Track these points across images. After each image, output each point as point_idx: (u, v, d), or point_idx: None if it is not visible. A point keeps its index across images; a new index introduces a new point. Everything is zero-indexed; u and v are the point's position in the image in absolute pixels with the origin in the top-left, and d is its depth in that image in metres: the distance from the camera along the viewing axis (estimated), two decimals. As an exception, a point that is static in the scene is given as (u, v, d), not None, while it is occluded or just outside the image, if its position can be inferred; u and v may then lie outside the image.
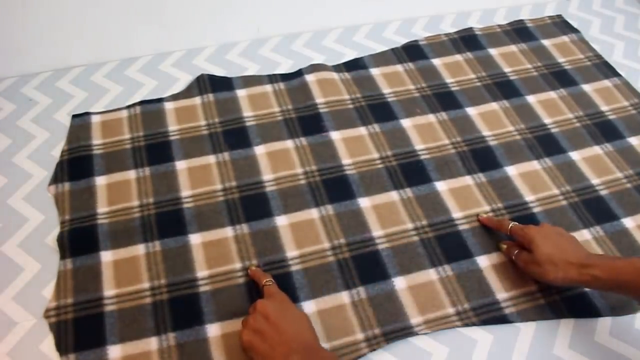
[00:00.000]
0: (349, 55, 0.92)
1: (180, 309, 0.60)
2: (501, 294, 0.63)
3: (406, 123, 0.81)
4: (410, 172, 0.75)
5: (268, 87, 0.84)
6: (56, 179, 0.71)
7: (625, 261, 0.55)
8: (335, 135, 0.78)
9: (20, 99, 0.81)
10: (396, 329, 0.60)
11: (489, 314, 0.62)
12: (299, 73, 0.87)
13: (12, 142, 0.76)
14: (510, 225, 0.65)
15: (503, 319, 0.61)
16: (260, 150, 0.76)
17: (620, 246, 0.69)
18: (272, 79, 0.86)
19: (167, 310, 0.60)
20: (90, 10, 0.82)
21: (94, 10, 0.82)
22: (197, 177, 0.72)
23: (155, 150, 0.75)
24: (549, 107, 0.86)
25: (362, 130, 0.79)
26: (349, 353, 0.58)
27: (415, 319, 0.61)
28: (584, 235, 0.70)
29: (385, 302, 0.62)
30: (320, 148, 0.76)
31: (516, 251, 0.64)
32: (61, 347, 0.57)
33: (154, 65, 0.88)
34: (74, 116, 0.78)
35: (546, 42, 0.98)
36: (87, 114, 0.79)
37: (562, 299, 0.63)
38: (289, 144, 0.77)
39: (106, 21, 0.84)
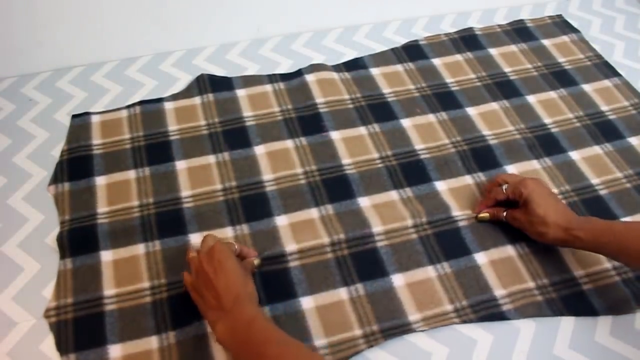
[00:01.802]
0: (349, 55, 0.92)
1: (179, 308, 0.60)
2: (499, 291, 0.64)
3: (406, 123, 0.81)
4: (410, 171, 0.75)
5: (268, 87, 0.84)
6: (56, 179, 0.71)
7: (606, 224, 0.62)
8: (335, 135, 0.78)
9: (20, 99, 0.81)
10: (394, 326, 0.60)
11: (487, 311, 0.62)
12: (298, 73, 0.87)
13: (12, 142, 0.76)
14: (505, 186, 0.68)
15: (501, 316, 0.62)
16: (260, 150, 0.76)
17: None
18: (272, 78, 0.86)
19: (167, 309, 0.60)
20: (90, 10, 0.82)
21: (94, 10, 0.82)
22: (197, 177, 0.72)
23: (155, 150, 0.75)
24: (549, 107, 0.86)
25: (362, 130, 0.79)
26: (346, 349, 0.58)
27: (413, 315, 0.61)
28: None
29: (383, 299, 0.62)
30: (320, 148, 0.76)
31: (504, 212, 0.68)
32: (61, 347, 0.57)
33: (154, 65, 0.88)
34: (74, 116, 0.78)
35: (546, 42, 0.98)
36: (87, 114, 0.79)
37: (560, 297, 0.64)
38: (289, 143, 0.77)
39: (106, 21, 0.84)
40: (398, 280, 0.64)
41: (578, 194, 0.74)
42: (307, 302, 0.61)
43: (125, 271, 0.63)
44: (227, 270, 0.53)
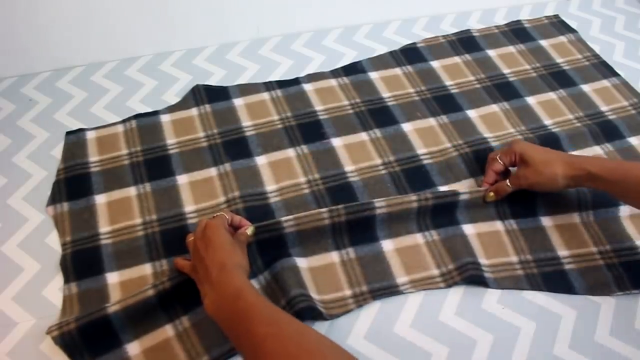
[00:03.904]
0: (349, 55, 0.93)
1: (200, 333, 0.59)
2: (482, 260, 0.65)
3: (407, 127, 0.81)
4: (414, 177, 0.74)
5: (265, 95, 0.84)
6: (54, 199, 0.69)
7: (614, 161, 0.63)
8: (337, 142, 0.78)
9: (20, 99, 0.81)
10: (383, 287, 0.63)
11: (471, 272, 0.63)
12: (296, 81, 0.86)
13: (12, 142, 0.76)
14: (498, 156, 0.69)
15: (482, 280, 0.63)
16: (262, 160, 0.75)
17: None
18: (269, 86, 0.85)
19: (183, 326, 0.59)
20: (90, 10, 0.82)
21: (94, 10, 0.82)
22: (199, 191, 0.71)
23: (155, 165, 0.73)
24: (549, 108, 0.86)
25: (363, 136, 0.79)
26: (337, 307, 0.61)
27: (401, 278, 0.63)
28: (581, 230, 0.70)
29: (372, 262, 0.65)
30: (322, 155, 0.76)
31: (507, 182, 0.68)
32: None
33: (154, 65, 0.88)
34: (68, 133, 0.76)
35: (544, 43, 0.98)
36: (82, 130, 0.77)
37: (541, 274, 0.65)
38: (290, 152, 0.76)
39: (106, 21, 0.84)
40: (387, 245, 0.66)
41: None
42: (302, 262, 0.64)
43: (132, 292, 0.60)
44: (214, 243, 0.54)
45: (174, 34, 0.90)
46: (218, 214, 0.60)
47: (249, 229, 0.61)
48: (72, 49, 0.86)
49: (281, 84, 0.86)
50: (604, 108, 0.86)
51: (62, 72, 0.85)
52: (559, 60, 0.94)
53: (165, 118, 0.79)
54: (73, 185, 0.71)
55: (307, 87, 0.85)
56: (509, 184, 0.67)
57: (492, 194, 0.69)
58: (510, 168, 0.71)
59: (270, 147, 0.76)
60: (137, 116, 0.79)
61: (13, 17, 0.78)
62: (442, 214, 0.68)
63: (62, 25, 0.82)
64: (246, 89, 0.84)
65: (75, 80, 0.85)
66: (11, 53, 0.83)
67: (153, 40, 0.89)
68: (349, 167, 0.75)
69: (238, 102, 0.82)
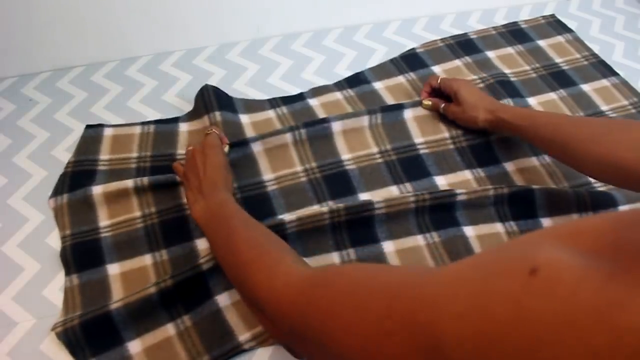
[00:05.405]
0: (349, 55, 0.92)
1: (191, 302, 0.60)
2: None
3: (407, 114, 0.80)
4: (410, 166, 0.74)
5: (271, 113, 0.82)
6: (57, 191, 0.69)
7: (527, 110, 0.71)
8: (335, 128, 0.77)
9: (20, 99, 0.81)
10: None
11: None
12: (301, 97, 0.85)
13: (12, 142, 0.76)
14: (440, 78, 0.80)
15: None
16: (257, 147, 0.75)
17: None
18: (274, 103, 0.83)
19: (181, 313, 0.60)
20: (90, 10, 0.82)
21: (94, 10, 0.82)
22: None
23: (159, 171, 0.72)
24: (550, 109, 0.85)
25: (363, 121, 0.78)
26: None
27: None
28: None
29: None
30: (319, 143, 0.76)
31: (443, 105, 0.79)
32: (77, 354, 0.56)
33: (154, 65, 0.88)
34: (88, 126, 0.77)
35: (542, 43, 0.98)
36: (101, 125, 0.77)
37: None
38: (287, 138, 0.75)
39: (106, 21, 0.84)
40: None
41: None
42: None
43: (133, 282, 0.62)
44: (212, 162, 0.62)
45: (174, 34, 0.90)
46: (210, 132, 0.68)
47: (226, 148, 0.70)
48: (72, 49, 0.86)
49: (286, 100, 0.84)
50: (604, 107, 0.86)
51: (62, 72, 0.85)
52: (557, 60, 0.94)
53: (183, 127, 0.79)
54: (77, 180, 0.71)
55: (313, 102, 0.84)
56: (442, 107, 0.79)
57: (430, 102, 0.80)
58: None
59: (267, 134, 0.75)
60: (157, 122, 0.79)
61: (13, 17, 0.78)
62: (442, 215, 0.68)
63: (62, 25, 0.82)
64: (251, 106, 0.82)
65: (75, 80, 0.85)
66: (11, 53, 0.83)
67: (153, 40, 0.89)
68: (345, 155, 0.75)
69: (244, 119, 0.80)
